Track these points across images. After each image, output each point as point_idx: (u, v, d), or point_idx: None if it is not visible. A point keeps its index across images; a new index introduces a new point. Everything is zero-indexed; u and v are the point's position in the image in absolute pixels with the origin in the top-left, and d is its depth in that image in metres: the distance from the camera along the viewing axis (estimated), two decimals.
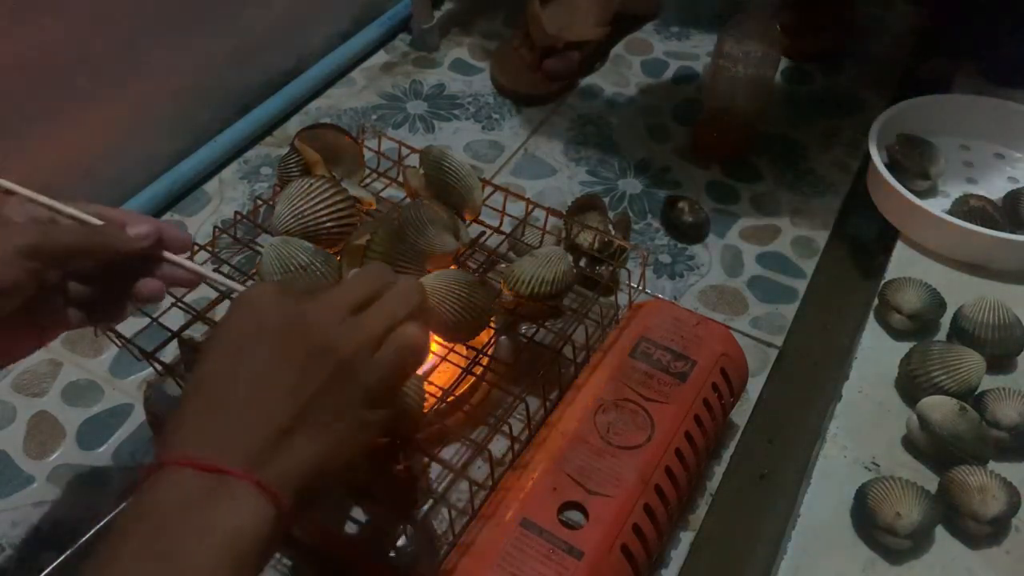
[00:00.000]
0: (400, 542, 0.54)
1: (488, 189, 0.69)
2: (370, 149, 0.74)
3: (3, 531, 0.59)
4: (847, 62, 1.05)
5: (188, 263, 0.49)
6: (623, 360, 0.59)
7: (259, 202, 0.70)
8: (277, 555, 0.58)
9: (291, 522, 0.36)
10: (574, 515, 0.51)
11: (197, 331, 0.60)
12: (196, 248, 0.65)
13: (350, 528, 0.54)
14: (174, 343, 0.58)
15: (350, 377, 0.38)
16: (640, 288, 0.69)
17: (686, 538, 0.60)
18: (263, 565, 0.35)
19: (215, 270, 0.58)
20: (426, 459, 0.56)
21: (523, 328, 0.62)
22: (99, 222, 0.47)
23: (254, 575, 0.34)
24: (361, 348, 0.39)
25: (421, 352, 0.41)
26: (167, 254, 0.49)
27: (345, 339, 0.39)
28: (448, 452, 0.58)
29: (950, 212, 0.75)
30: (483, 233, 0.69)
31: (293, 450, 0.36)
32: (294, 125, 0.93)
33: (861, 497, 0.56)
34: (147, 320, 0.61)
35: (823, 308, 0.77)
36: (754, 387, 0.69)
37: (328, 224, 0.60)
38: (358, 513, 0.54)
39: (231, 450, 0.35)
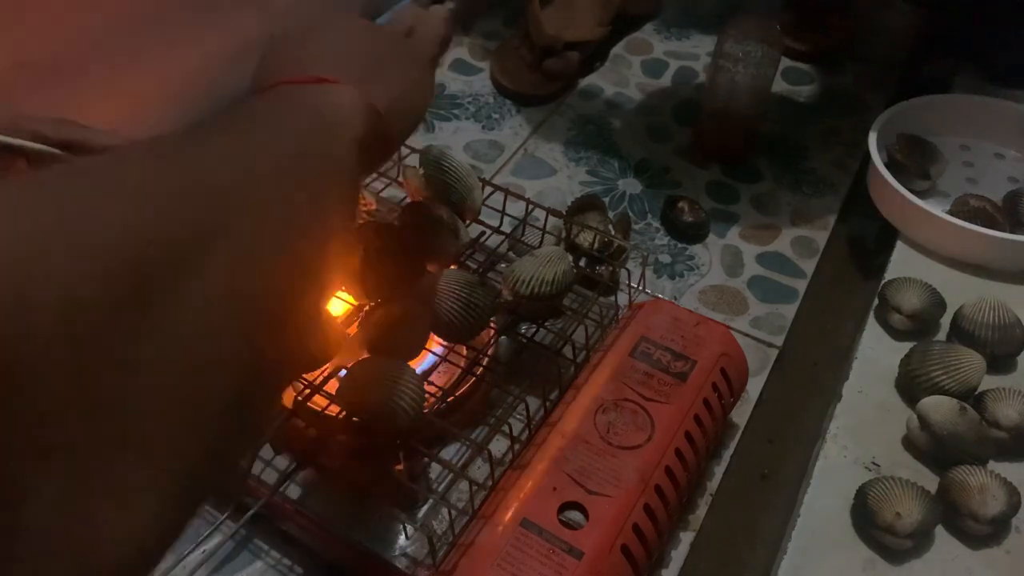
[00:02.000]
0: (400, 542, 0.54)
1: (488, 189, 0.69)
2: None
3: None
4: (847, 62, 1.05)
5: None
6: (623, 360, 0.59)
7: None
8: (277, 555, 0.58)
9: (383, 140, 0.40)
10: (574, 515, 0.51)
11: None
12: None
13: (350, 528, 0.54)
14: None
15: (397, 46, 0.45)
16: (640, 288, 0.69)
17: (686, 538, 0.60)
18: (353, 168, 0.36)
19: None
20: (426, 459, 0.56)
21: (523, 328, 0.62)
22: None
23: (350, 159, 0.36)
24: (396, 32, 0.47)
25: (445, 24, 0.49)
26: None
27: (382, 29, 0.46)
28: (448, 452, 0.58)
29: (950, 212, 0.75)
30: (483, 233, 0.69)
31: (377, 81, 0.41)
32: None
33: (861, 497, 0.56)
34: None
35: (823, 308, 0.77)
36: (754, 387, 0.69)
37: None
38: (358, 513, 0.55)
39: (324, 68, 0.39)
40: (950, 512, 0.56)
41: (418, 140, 0.91)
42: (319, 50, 0.41)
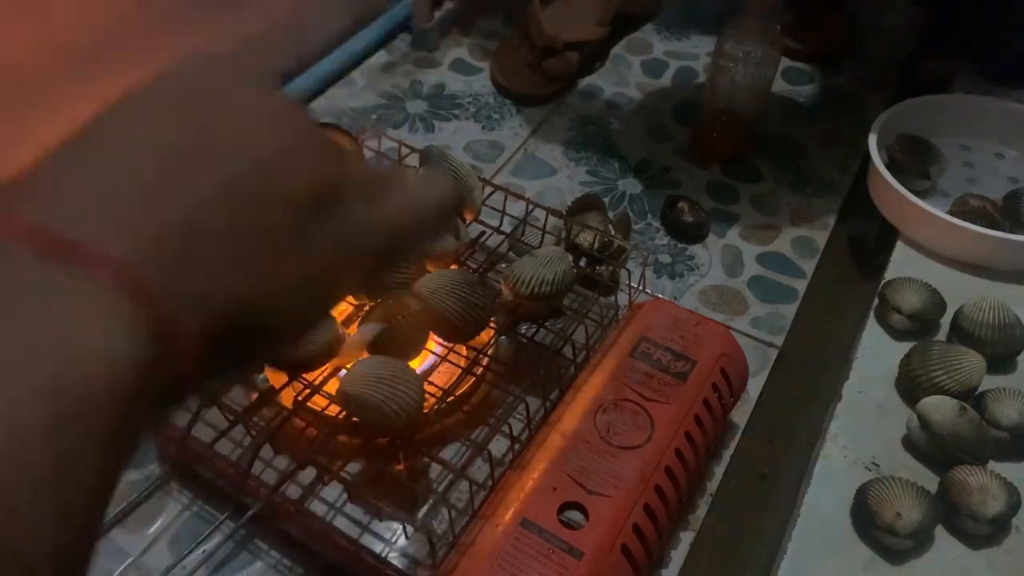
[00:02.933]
0: (400, 542, 0.54)
1: (488, 189, 0.69)
2: (370, 149, 0.74)
3: None
4: (847, 62, 1.05)
5: None
6: (623, 360, 0.59)
7: None
8: (277, 555, 0.58)
9: (190, 370, 0.20)
10: (574, 515, 0.51)
11: None
12: None
13: (350, 528, 0.54)
14: None
15: (332, 199, 0.24)
16: (640, 288, 0.69)
17: (686, 538, 0.60)
18: (131, 426, 0.19)
19: None
20: (426, 459, 0.56)
21: (523, 328, 0.62)
22: None
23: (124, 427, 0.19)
24: (355, 172, 0.25)
25: (452, 188, 0.28)
26: None
27: (329, 157, 0.24)
28: (448, 452, 0.58)
29: (950, 212, 0.75)
30: (483, 233, 0.69)
31: (224, 251, 0.21)
32: None
33: (861, 497, 0.56)
34: None
35: (823, 308, 0.77)
36: (754, 387, 0.69)
37: None
38: (358, 513, 0.55)
39: (95, 219, 0.20)
40: (950, 512, 0.56)
41: (418, 140, 0.91)
42: (110, 160, 0.21)
